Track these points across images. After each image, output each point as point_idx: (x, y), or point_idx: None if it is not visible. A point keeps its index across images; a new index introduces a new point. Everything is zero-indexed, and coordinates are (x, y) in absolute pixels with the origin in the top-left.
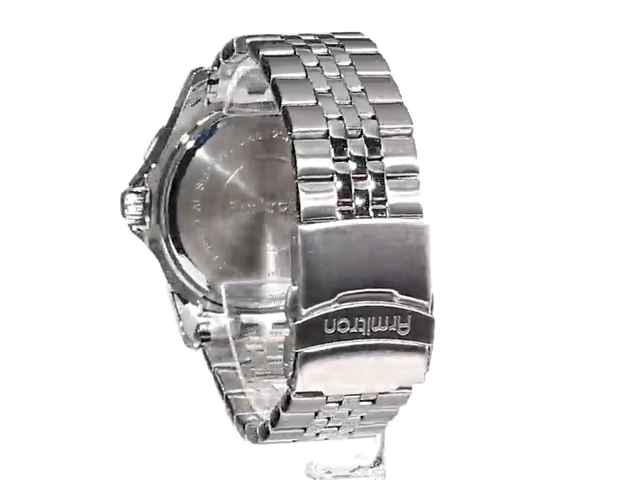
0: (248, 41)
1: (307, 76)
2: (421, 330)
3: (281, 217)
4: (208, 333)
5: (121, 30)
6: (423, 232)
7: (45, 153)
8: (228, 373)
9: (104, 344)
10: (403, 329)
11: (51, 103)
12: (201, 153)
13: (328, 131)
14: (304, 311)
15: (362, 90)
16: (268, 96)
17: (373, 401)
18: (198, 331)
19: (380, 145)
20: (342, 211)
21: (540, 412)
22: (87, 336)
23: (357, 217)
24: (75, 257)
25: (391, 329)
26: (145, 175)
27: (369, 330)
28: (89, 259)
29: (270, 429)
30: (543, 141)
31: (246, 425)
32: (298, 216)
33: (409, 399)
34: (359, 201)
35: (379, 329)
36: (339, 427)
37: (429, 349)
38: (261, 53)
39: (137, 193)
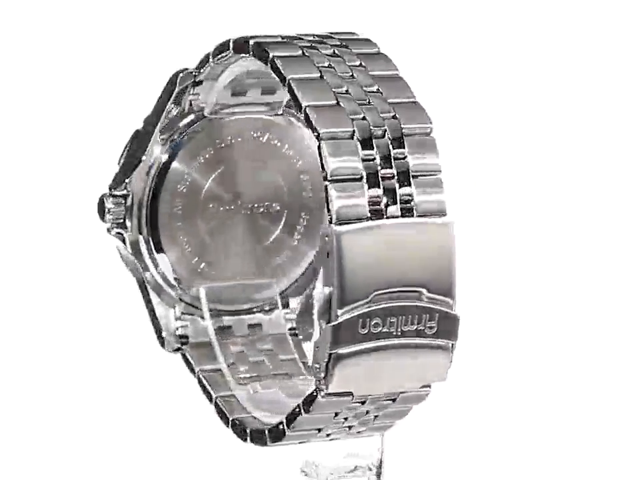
0: (252, 41)
1: (321, 76)
2: (447, 328)
3: (259, 218)
4: (186, 336)
5: (94, 29)
6: (449, 230)
7: (17, 155)
8: (214, 375)
9: (82, 349)
10: (430, 328)
11: (21, 103)
12: (182, 155)
13: (354, 131)
14: (339, 312)
15: (377, 89)
16: (250, 97)
17: (394, 400)
18: (176, 334)
19: (404, 145)
20: (372, 211)
21: (541, 412)
22: (65, 340)
23: (387, 216)
24: (49, 260)
25: (419, 328)
26: (127, 180)
27: (399, 329)
28: (65, 262)
29: (287, 430)
30: (542, 138)
31: (248, 428)
32: (329, 217)
33: (427, 397)
34: (387, 201)
35: (408, 328)
36: (350, 427)
37: (452, 346)
38: (270, 54)
39: (118, 196)
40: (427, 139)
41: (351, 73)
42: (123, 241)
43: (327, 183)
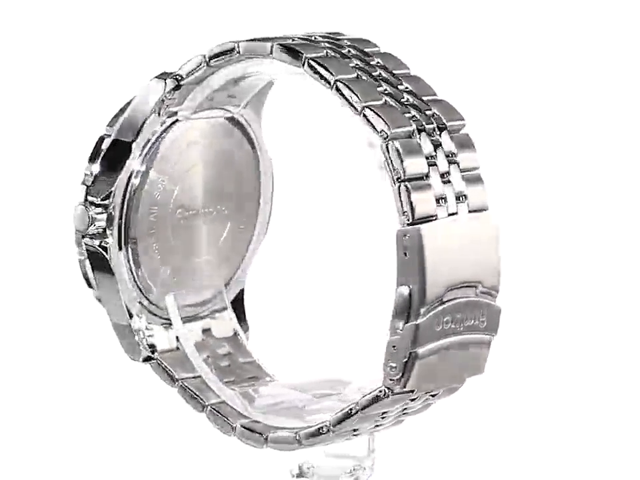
0: (275, 43)
1: (358, 76)
2: (493, 322)
3: (213, 222)
4: (154, 345)
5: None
6: (497, 224)
7: None
8: (197, 383)
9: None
10: (482, 322)
11: None
12: (158, 161)
13: (414, 130)
14: (421, 311)
15: (406, 87)
16: (217, 101)
17: (434, 395)
18: (146, 343)
19: (451, 142)
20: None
21: (541, 413)
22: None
23: (449, 214)
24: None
25: (475, 323)
26: (111, 188)
27: (462, 325)
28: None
29: (331, 432)
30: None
31: (267, 433)
32: (405, 216)
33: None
34: (448, 199)
35: (468, 323)
36: (378, 425)
37: (492, 339)
38: (304, 55)
39: (102, 205)
40: (465, 135)
41: (378, 72)
42: (105, 250)
43: (401, 182)
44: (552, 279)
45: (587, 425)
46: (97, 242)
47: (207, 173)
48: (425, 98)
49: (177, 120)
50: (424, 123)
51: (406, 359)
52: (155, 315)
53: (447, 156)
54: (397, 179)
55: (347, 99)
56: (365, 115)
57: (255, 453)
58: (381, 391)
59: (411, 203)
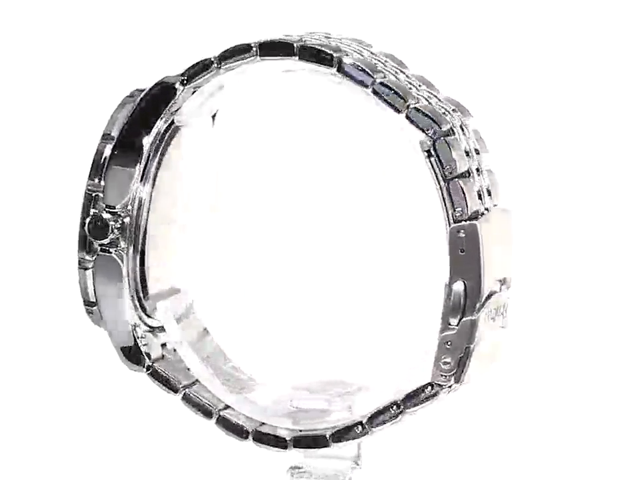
0: (298, 44)
1: (385, 76)
2: (507, 314)
3: (182, 226)
4: (149, 354)
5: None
6: (511, 218)
7: None
8: (197, 389)
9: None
10: (503, 315)
11: None
12: (163, 167)
13: (450, 127)
14: (477, 306)
15: (420, 85)
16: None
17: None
18: (144, 351)
19: (472, 138)
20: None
21: (542, 416)
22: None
23: (485, 209)
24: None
25: (499, 316)
26: (127, 196)
27: (493, 319)
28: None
29: (369, 431)
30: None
31: (288, 436)
32: (458, 213)
33: None
34: (483, 194)
35: (496, 316)
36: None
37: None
38: (335, 56)
39: (120, 215)
40: (477, 132)
41: (395, 71)
42: (121, 259)
43: (451, 180)
44: (549, 277)
45: (586, 423)
46: (113, 249)
47: (184, 178)
48: (440, 97)
49: (171, 124)
50: (455, 121)
51: (462, 355)
52: (143, 322)
53: (476, 152)
54: (447, 176)
55: (389, 100)
56: (410, 114)
57: (252, 453)
58: (426, 387)
59: (465, 199)
